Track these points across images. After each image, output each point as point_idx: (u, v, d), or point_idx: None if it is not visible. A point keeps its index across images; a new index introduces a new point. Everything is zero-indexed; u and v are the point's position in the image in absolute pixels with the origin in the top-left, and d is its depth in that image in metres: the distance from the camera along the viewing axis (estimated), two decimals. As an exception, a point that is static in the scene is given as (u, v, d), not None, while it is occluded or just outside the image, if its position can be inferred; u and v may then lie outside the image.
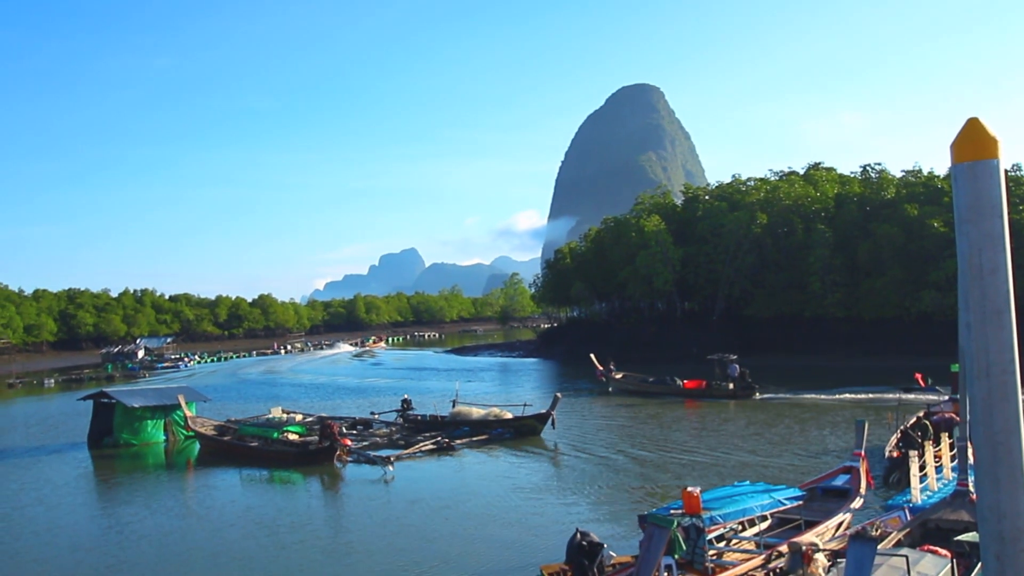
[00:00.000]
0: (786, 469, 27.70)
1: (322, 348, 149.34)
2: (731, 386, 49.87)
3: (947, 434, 26.47)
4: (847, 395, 47.68)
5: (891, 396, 41.68)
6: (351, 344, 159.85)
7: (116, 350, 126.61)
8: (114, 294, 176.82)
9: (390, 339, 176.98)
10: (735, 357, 52.49)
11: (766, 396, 48.64)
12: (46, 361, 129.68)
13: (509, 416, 38.78)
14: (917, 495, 21.31)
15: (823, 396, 47.71)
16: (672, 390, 51.91)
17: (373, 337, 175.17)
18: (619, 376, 56.60)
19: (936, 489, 22.26)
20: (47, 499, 28.46)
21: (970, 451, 19.56)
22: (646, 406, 46.61)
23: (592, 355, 58.57)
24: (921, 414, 31.86)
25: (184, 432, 39.68)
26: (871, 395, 46.90)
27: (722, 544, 16.89)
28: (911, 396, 40.67)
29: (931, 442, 26.13)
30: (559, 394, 39.98)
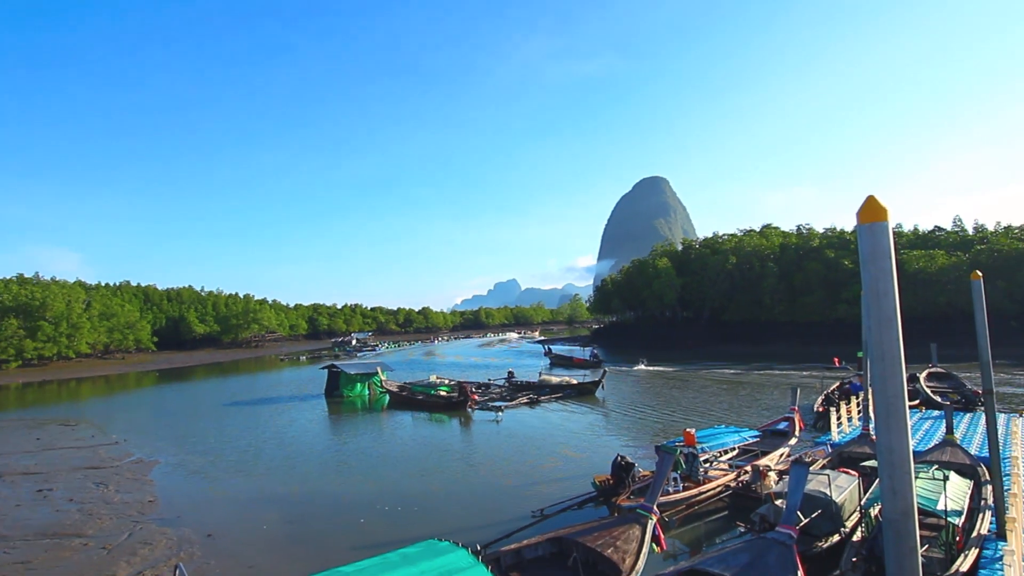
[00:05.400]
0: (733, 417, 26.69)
1: (459, 339, 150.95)
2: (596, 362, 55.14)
3: (855, 396, 25.58)
4: (781, 371, 45.62)
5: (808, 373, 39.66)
6: (518, 333, 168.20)
7: (340, 340, 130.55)
8: (339, 306, 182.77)
9: (507, 333, 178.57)
10: (596, 349, 58.72)
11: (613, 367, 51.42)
12: (300, 345, 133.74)
13: (575, 382, 38.54)
14: (835, 436, 20.43)
15: (729, 371, 47.12)
16: (572, 363, 56.14)
17: (528, 330, 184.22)
18: (553, 355, 63.77)
19: (848, 432, 21.25)
20: (309, 429, 28.63)
21: (871, 408, 18.63)
22: (668, 380, 45.48)
23: (541, 341, 69.28)
24: (838, 384, 30.62)
25: (380, 389, 40.22)
26: (775, 371, 44.91)
27: (707, 464, 16.51)
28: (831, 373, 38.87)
29: (845, 401, 25.25)
30: (606, 368, 39.51)
